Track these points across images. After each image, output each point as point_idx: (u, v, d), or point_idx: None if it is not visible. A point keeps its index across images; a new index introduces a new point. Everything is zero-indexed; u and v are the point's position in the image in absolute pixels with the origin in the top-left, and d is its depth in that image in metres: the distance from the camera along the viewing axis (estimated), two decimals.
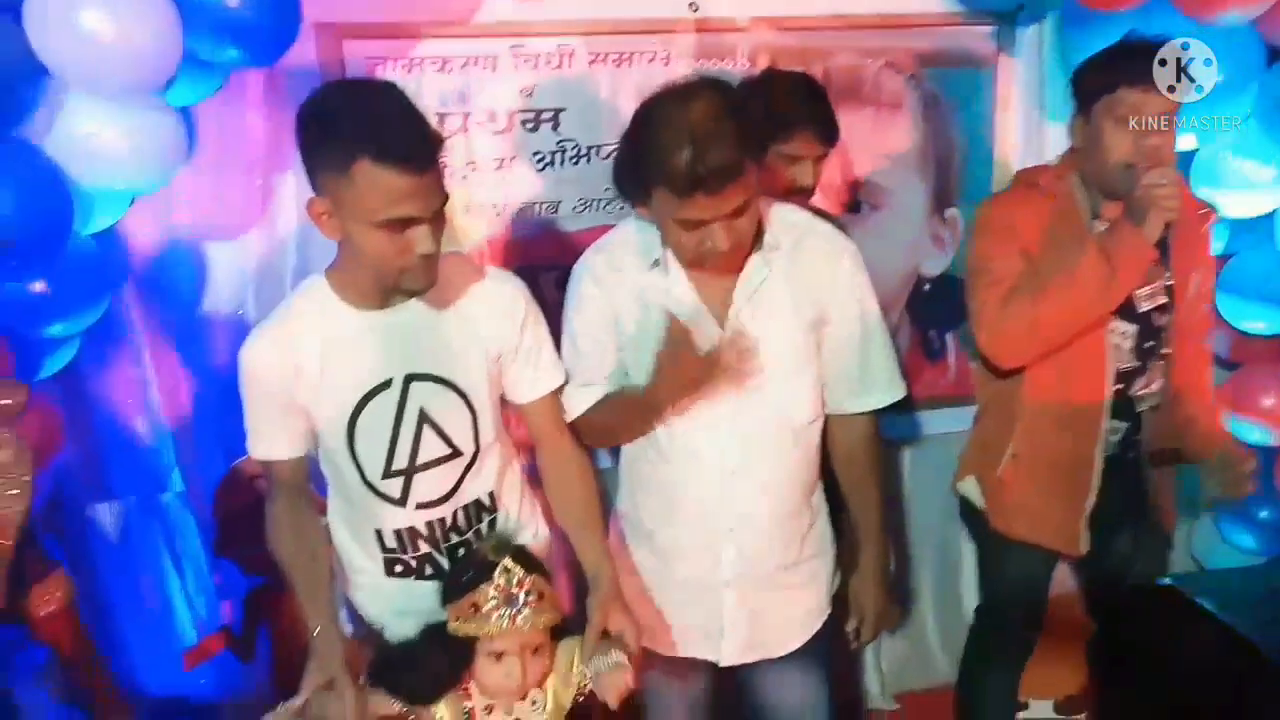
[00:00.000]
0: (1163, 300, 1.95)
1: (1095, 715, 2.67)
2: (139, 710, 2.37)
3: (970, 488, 2.15)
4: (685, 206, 1.48)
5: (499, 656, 1.45)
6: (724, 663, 1.77)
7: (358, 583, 1.69)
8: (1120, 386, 1.95)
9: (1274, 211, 2.35)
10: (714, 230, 1.50)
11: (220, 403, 2.29)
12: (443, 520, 1.62)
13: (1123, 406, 1.97)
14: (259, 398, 1.56)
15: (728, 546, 1.70)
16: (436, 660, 1.49)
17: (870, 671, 2.91)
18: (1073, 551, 2.02)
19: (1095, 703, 2.67)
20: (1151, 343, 1.95)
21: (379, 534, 1.62)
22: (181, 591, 2.40)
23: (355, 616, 1.71)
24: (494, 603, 1.42)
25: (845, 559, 1.88)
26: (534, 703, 1.50)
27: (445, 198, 1.43)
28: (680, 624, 1.76)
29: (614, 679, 1.46)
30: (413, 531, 1.62)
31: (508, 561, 1.43)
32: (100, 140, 1.74)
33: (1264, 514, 2.56)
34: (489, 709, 1.49)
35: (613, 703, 1.46)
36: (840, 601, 1.87)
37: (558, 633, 1.55)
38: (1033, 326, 1.85)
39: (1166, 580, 1.68)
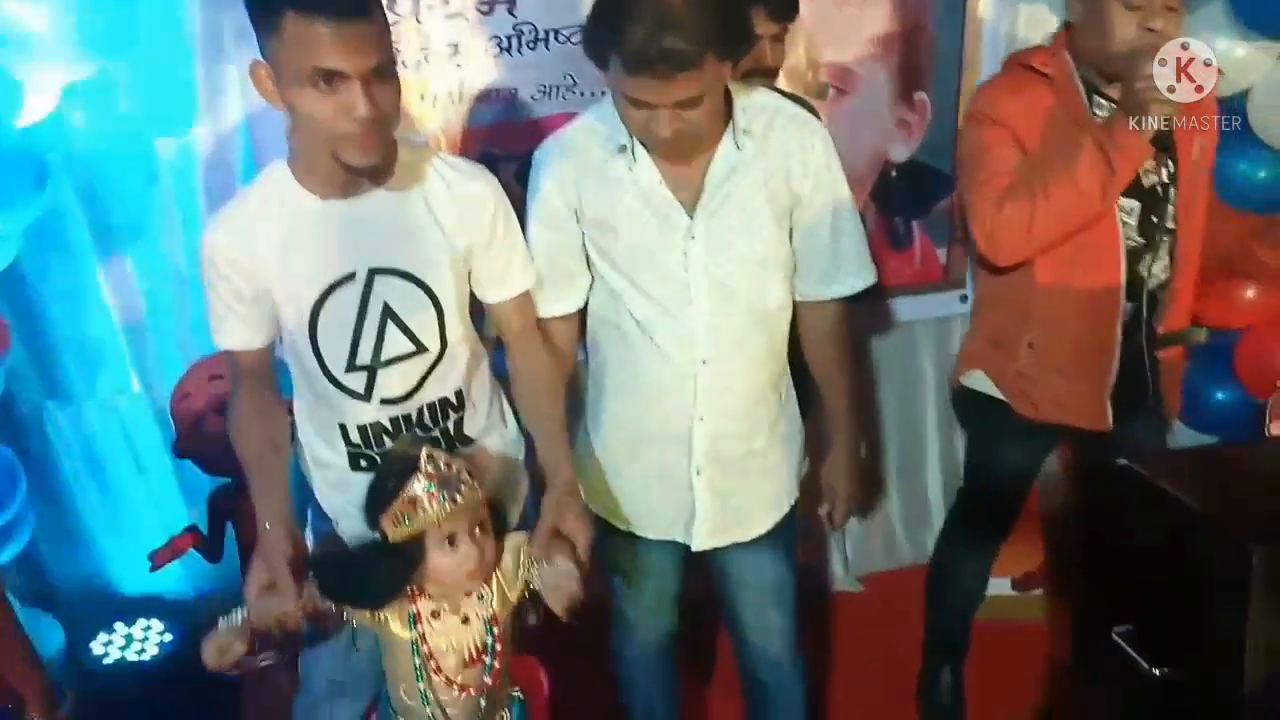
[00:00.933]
0: (1167, 173, 1.91)
1: (1051, 591, 2.77)
2: (111, 607, 2.40)
3: (979, 380, 2.12)
4: (632, 84, 1.44)
5: (452, 543, 1.42)
6: (696, 546, 1.79)
7: (324, 477, 1.67)
8: (1126, 265, 1.92)
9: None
10: (659, 115, 1.46)
11: (175, 302, 2.25)
12: (408, 417, 1.61)
13: (1130, 286, 1.94)
14: (221, 285, 1.52)
15: (699, 433, 1.70)
16: (381, 569, 1.44)
17: (835, 554, 2.99)
18: (1100, 427, 2.01)
19: (1051, 579, 2.77)
20: (1156, 218, 1.92)
21: (343, 429, 1.61)
22: (147, 491, 2.39)
23: (321, 513, 1.71)
24: (431, 489, 1.38)
25: (815, 445, 1.89)
26: (480, 598, 1.48)
27: (384, 58, 1.37)
28: (650, 509, 1.78)
29: (563, 589, 1.46)
30: (377, 427, 1.60)
31: (428, 449, 1.40)
32: (25, 22, 1.64)
33: (1220, 396, 2.61)
34: (435, 614, 1.47)
35: (560, 612, 1.46)
36: (806, 486, 1.89)
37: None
38: (1030, 228, 1.82)
39: (1123, 461, 1.69)
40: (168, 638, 2.31)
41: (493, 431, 1.71)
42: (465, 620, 1.47)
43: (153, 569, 2.19)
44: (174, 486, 2.39)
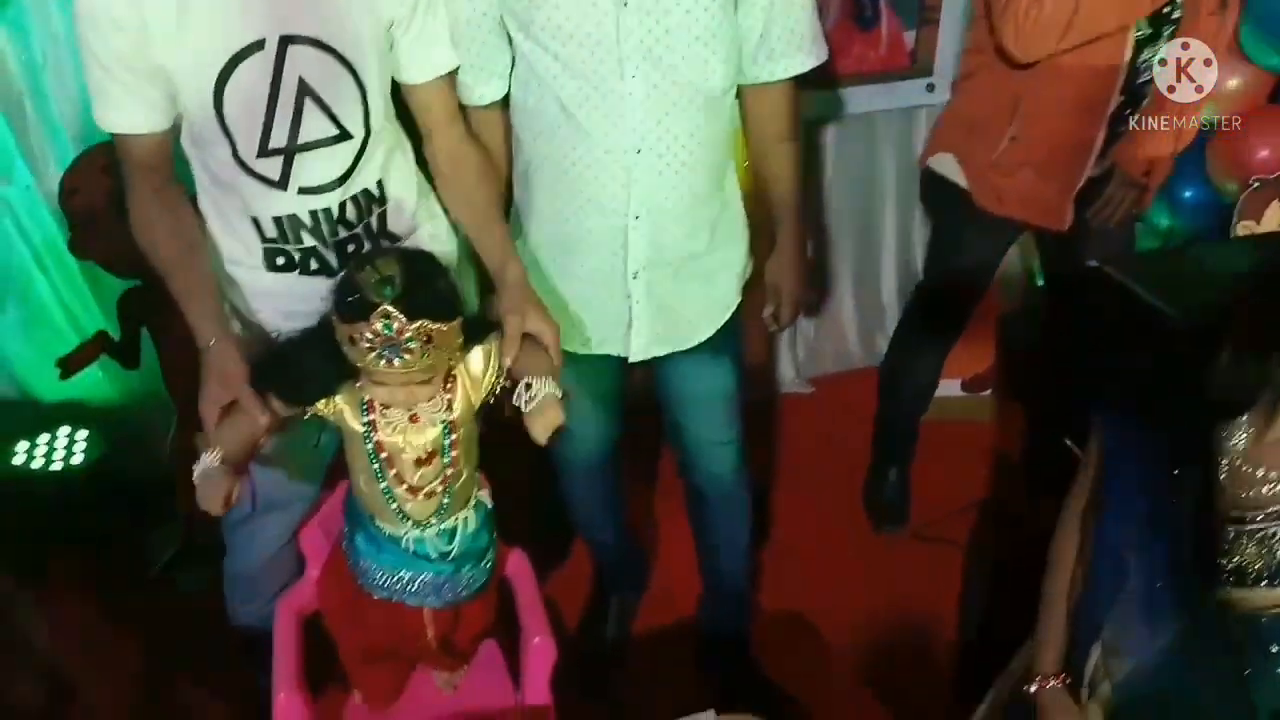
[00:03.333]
0: None
1: (1000, 394, 2.76)
2: (31, 415, 2.29)
3: (947, 164, 2.08)
4: None
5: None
6: (633, 357, 1.71)
7: (236, 278, 1.53)
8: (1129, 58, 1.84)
9: None
10: None
11: (57, 77, 2.01)
12: (328, 210, 1.46)
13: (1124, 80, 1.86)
14: (104, 58, 1.32)
15: (635, 234, 1.58)
16: (323, 359, 1.35)
17: (785, 356, 2.94)
18: (1058, 226, 2.01)
19: (1000, 381, 2.76)
20: (1168, 9, 1.81)
21: (256, 222, 1.46)
22: (53, 293, 2.23)
23: (244, 323, 1.57)
24: (369, 344, 1.28)
25: (761, 245, 1.78)
26: (431, 399, 1.40)
27: None
28: (585, 320, 1.67)
29: (548, 416, 1.37)
30: (294, 220, 1.46)
31: (389, 308, 1.26)
32: None
33: (1188, 194, 2.51)
34: (386, 405, 1.39)
35: (541, 439, 1.37)
36: (751, 288, 1.79)
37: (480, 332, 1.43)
38: (1070, 25, 1.72)
39: (1093, 263, 1.62)
40: (93, 445, 2.23)
41: (420, 229, 1.57)
42: (414, 419, 1.40)
43: (63, 376, 2.07)
44: (83, 287, 2.22)
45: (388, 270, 1.28)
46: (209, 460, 1.30)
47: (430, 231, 1.60)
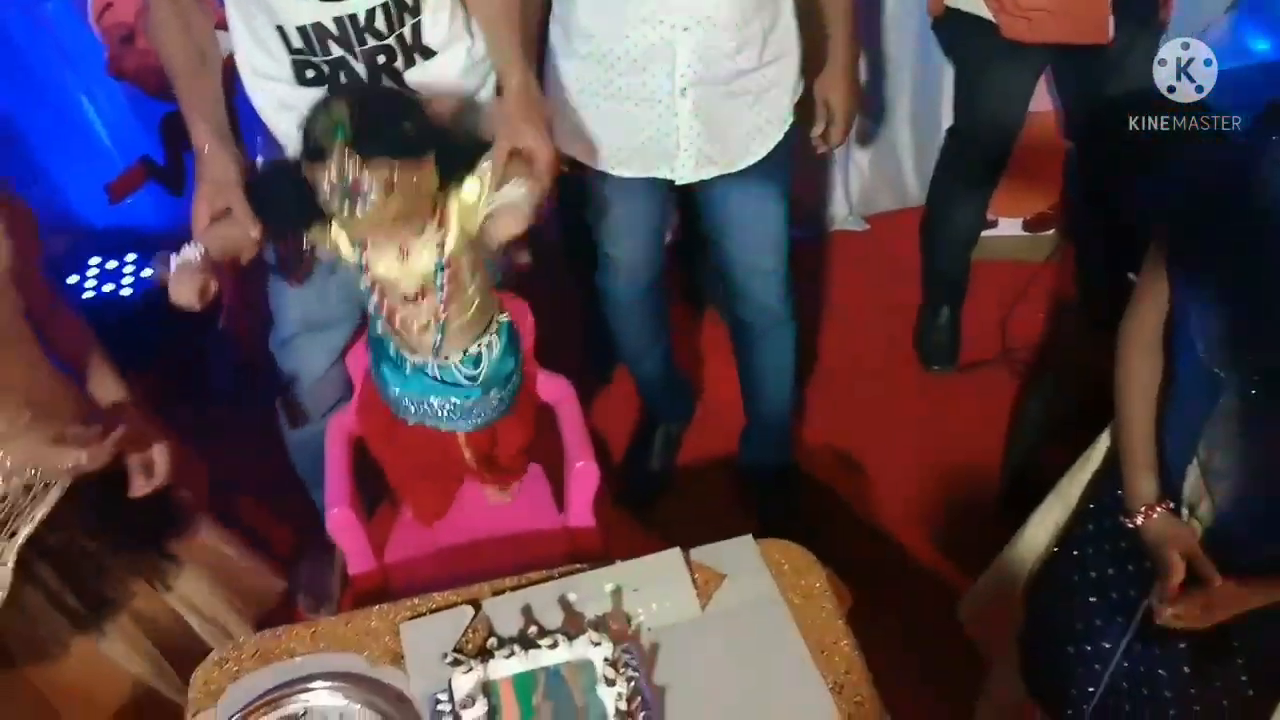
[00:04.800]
0: None
1: (1063, 232, 2.66)
2: (85, 242, 2.31)
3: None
4: None
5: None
6: (679, 180, 1.65)
7: (268, 94, 1.49)
8: None
9: None
10: None
11: None
12: (354, 18, 1.40)
13: None
14: None
15: (683, 48, 1.50)
16: (297, 188, 1.27)
17: (839, 191, 2.85)
18: (1100, 39, 1.87)
19: (1065, 219, 2.65)
20: None
21: (282, 32, 1.41)
22: (98, 117, 2.21)
23: (272, 140, 1.54)
24: (329, 189, 1.22)
25: (813, 67, 1.70)
26: (420, 232, 1.35)
27: None
28: (630, 142, 1.61)
29: (509, 216, 1.29)
30: (320, 29, 1.40)
31: (342, 153, 1.19)
32: None
33: (1261, 47, 2.32)
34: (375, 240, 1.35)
35: (498, 240, 1.31)
36: (801, 122, 1.72)
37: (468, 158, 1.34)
38: None
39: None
40: (146, 272, 2.24)
41: (456, 43, 1.50)
42: (403, 253, 1.35)
43: (112, 202, 2.07)
44: (126, 111, 2.20)
45: (338, 113, 1.20)
46: (190, 252, 1.28)
47: (466, 48, 1.52)
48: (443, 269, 1.37)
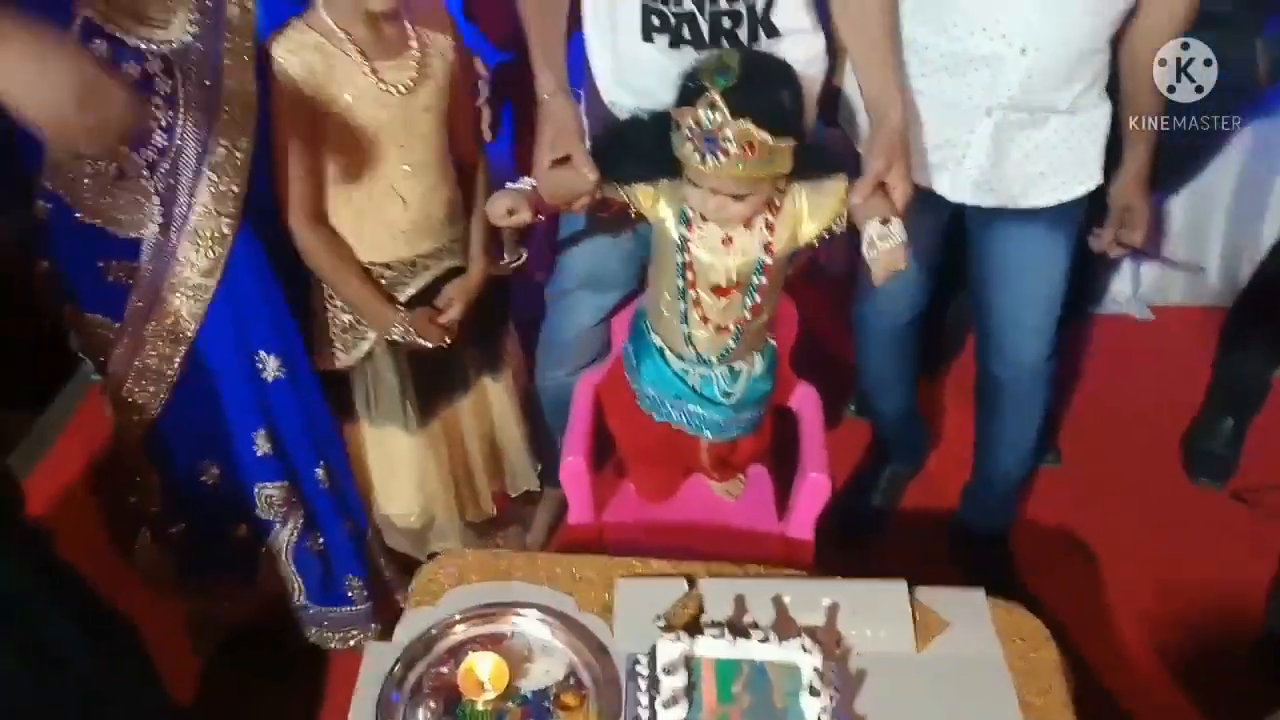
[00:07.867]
0: None
1: None
2: None
3: None
4: None
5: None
6: (953, 196, 1.60)
7: (608, 46, 1.53)
8: None
9: None
10: None
11: None
12: None
13: None
14: None
15: (1012, 67, 1.46)
16: (653, 145, 1.33)
17: (1124, 271, 2.67)
18: None
19: None
20: None
21: None
22: None
23: (595, 95, 1.60)
24: (690, 132, 1.25)
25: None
26: (750, 224, 1.37)
27: None
28: (921, 144, 1.56)
29: (891, 258, 1.29)
30: None
31: (716, 97, 1.21)
32: None
33: None
34: (704, 219, 1.37)
35: (879, 280, 1.31)
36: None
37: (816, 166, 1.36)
38: None
39: None
40: None
41: (805, 32, 1.49)
42: (728, 241, 1.38)
43: None
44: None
45: (729, 60, 1.24)
46: (525, 181, 1.37)
47: (806, 41, 1.50)
48: (761, 268, 1.39)
